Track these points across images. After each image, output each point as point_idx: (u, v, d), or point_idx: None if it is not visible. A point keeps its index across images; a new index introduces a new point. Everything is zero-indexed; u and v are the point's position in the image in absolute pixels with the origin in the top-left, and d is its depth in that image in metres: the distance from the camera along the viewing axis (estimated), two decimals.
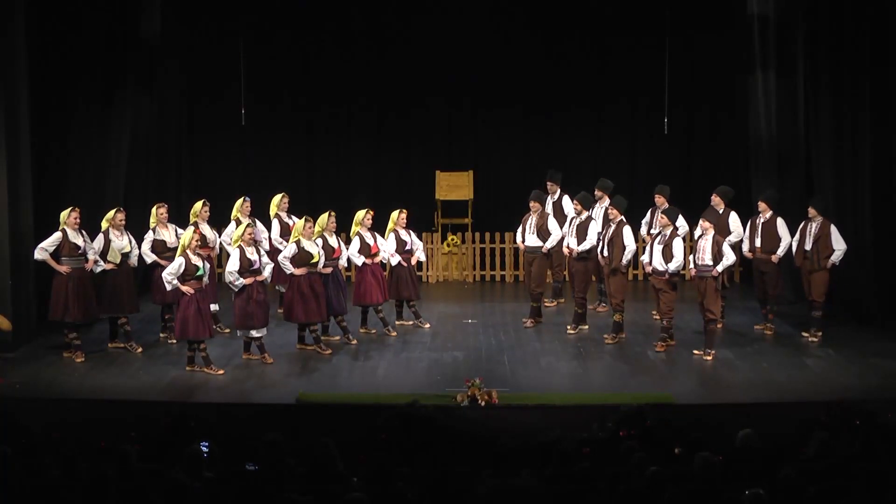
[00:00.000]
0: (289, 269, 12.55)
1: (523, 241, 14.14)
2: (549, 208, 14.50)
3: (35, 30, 13.33)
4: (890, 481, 7.13)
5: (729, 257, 12.29)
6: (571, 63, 17.44)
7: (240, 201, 13.73)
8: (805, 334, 13.17)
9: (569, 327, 13.68)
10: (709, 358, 12.36)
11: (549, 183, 14.80)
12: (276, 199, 14.14)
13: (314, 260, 12.60)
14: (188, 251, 11.89)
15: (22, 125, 12.95)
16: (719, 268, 12.23)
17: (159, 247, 13.03)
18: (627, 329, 13.34)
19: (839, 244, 12.96)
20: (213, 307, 13.11)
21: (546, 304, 14.71)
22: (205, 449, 8.01)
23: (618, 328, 13.16)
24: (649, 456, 7.84)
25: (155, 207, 13.23)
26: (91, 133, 14.47)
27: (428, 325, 13.99)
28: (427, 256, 16.85)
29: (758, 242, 13.41)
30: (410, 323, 14.03)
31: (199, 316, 11.83)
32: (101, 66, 14.46)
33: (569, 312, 14.01)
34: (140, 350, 12.79)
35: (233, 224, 13.56)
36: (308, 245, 12.61)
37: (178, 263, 11.86)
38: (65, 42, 14.08)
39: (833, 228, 13.00)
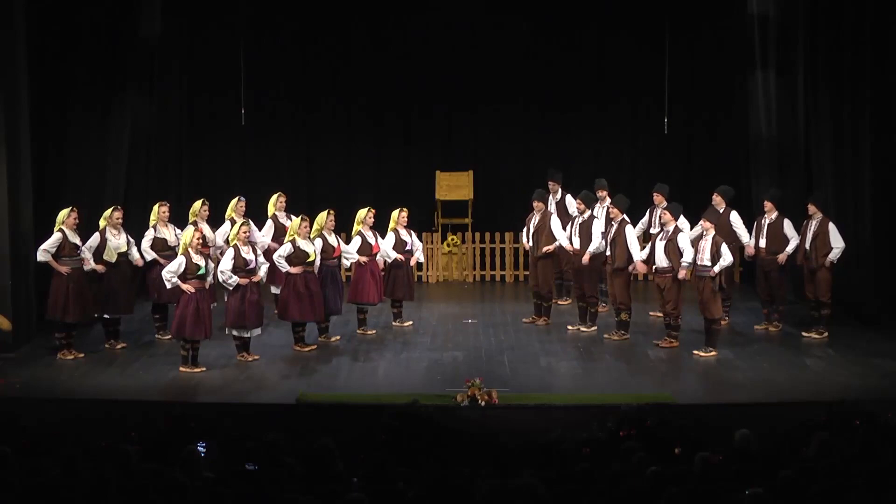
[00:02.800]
0: (285, 267, 12.52)
1: (528, 241, 14.13)
2: (552, 208, 14.47)
3: (35, 30, 13.32)
4: (890, 481, 7.13)
5: (726, 258, 12.31)
6: (571, 63, 17.43)
7: (234, 201, 13.77)
8: (807, 334, 13.13)
9: (569, 326, 13.68)
10: (708, 355, 12.35)
11: (550, 182, 14.77)
12: (273, 198, 14.15)
13: (310, 259, 12.57)
14: (190, 250, 11.87)
15: (22, 126, 12.94)
16: (716, 268, 12.25)
17: (159, 245, 13.05)
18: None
19: (837, 242, 12.95)
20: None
21: (560, 303, 14.69)
22: (202, 450, 7.99)
23: (623, 326, 13.17)
24: (649, 456, 7.84)
25: (157, 205, 13.26)
26: (91, 133, 14.47)
27: (409, 323, 13.90)
28: (427, 256, 16.86)
29: (763, 242, 13.41)
30: (403, 324, 13.94)
31: (196, 316, 11.79)
32: (101, 66, 14.46)
33: (570, 313, 14.01)
34: (120, 346, 12.83)
35: (227, 224, 13.58)
36: (304, 244, 12.58)
37: (178, 262, 11.84)
38: (65, 42, 14.08)
39: (832, 226, 12.99)
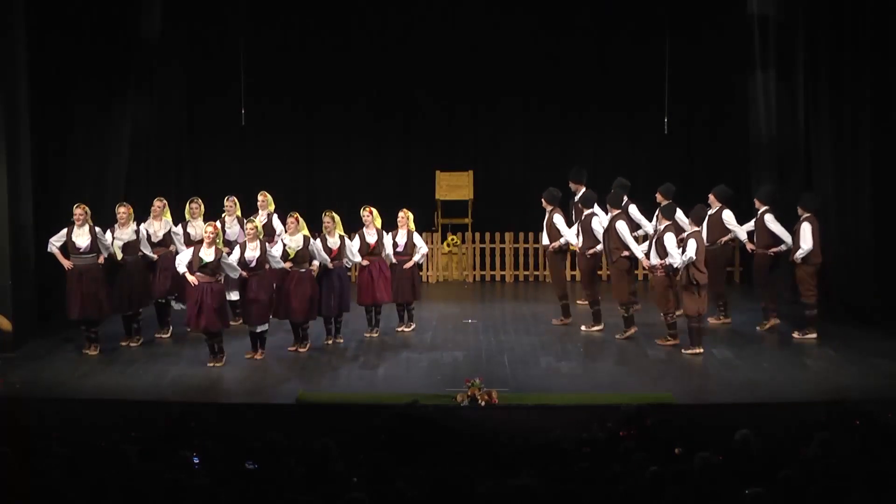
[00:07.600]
0: (280, 264, 12.42)
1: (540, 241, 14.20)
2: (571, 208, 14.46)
3: (35, 29, 13.32)
4: (890, 481, 7.13)
5: (688, 253, 12.18)
6: (572, 63, 17.43)
7: (225, 200, 13.83)
8: (795, 334, 13.12)
9: (583, 326, 13.69)
10: (691, 352, 12.34)
11: (571, 183, 14.56)
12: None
13: (291, 257, 12.53)
14: (205, 244, 11.94)
15: (22, 126, 12.95)
16: (677, 263, 12.20)
17: (188, 239, 13.28)
18: None
19: (805, 242, 12.83)
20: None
21: (579, 302, 14.66)
22: (196, 462, 7.99)
23: (628, 322, 13.19)
24: (649, 456, 7.84)
25: (189, 202, 13.55)
26: (91, 133, 14.45)
27: (403, 328, 13.84)
28: (427, 256, 16.82)
29: (755, 238, 13.48)
30: (404, 328, 13.90)
31: (198, 309, 11.87)
32: (101, 66, 14.44)
33: (574, 314, 14.02)
34: (139, 342, 12.99)
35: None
36: (289, 240, 12.54)
37: (187, 253, 12.02)
38: (65, 42, 14.06)
39: (805, 225, 12.90)
